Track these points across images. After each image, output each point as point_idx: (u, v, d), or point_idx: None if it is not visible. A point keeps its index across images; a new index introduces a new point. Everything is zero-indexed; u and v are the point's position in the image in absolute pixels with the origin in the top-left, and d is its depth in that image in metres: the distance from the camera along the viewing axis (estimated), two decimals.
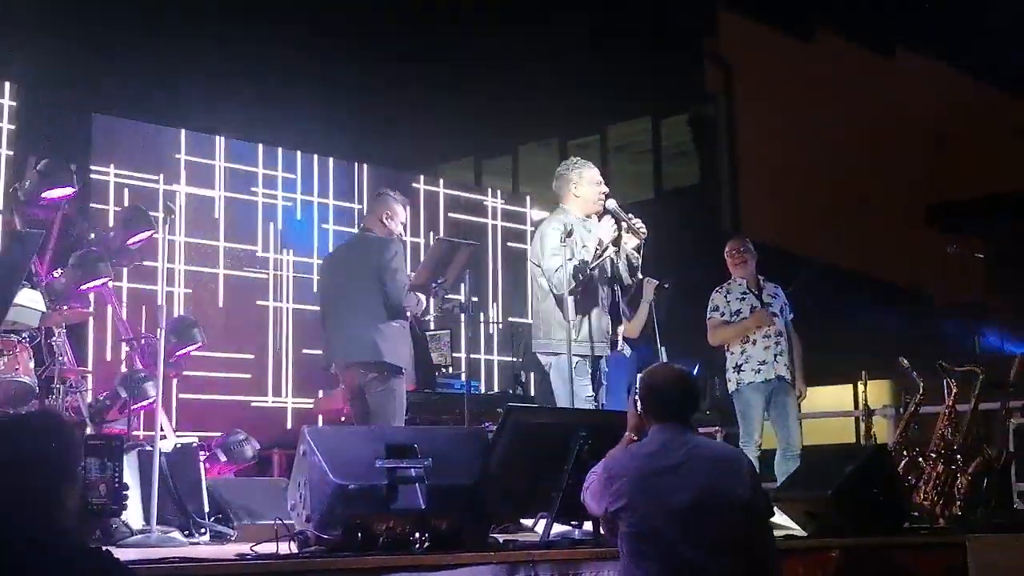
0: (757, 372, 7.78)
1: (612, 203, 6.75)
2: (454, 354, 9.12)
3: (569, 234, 6.45)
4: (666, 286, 7.53)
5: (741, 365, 7.83)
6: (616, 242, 6.69)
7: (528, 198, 12.42)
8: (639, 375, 4.49)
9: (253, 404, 9.67)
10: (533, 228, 11.67)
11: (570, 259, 6.42)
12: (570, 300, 6.43)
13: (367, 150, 11.50)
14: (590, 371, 6.55)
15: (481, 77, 15.87)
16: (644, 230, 6.69)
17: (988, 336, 11.39)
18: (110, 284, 7.73)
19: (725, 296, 8.00)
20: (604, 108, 16.97)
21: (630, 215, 6.72)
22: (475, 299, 10.17)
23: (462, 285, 6.91)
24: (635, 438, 4.48)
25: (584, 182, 6.76)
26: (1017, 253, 14.62)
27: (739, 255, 8.04)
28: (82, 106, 9.31)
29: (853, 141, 16.35)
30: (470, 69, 15.70)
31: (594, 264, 6.53)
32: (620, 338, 6.83)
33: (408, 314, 6.92)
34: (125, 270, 8.42)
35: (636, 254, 6.78)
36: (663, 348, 6.87)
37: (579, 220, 6.68)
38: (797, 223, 15.24)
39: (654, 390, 4.35)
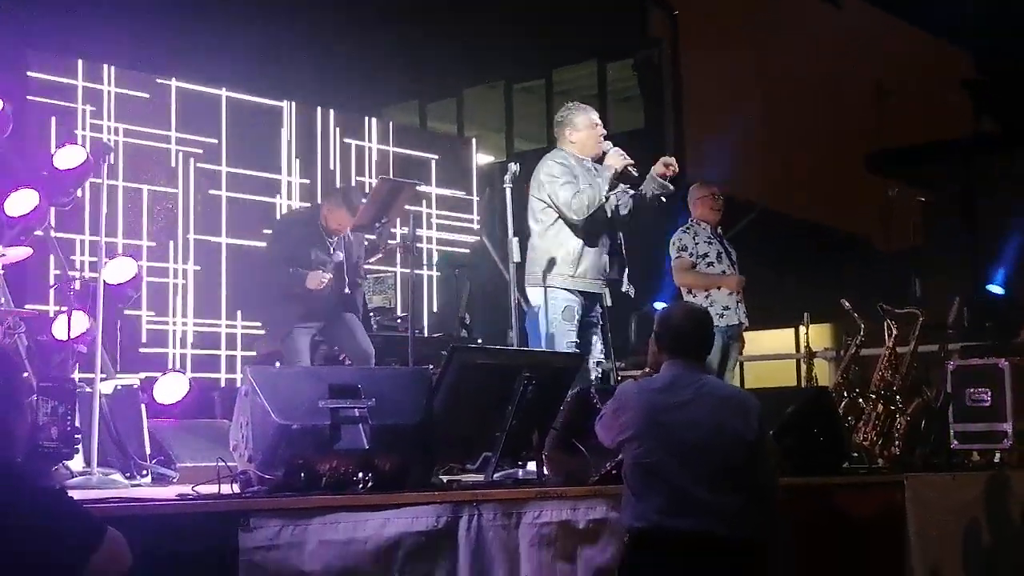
0: (721, 316, 7.81)
1: (610, 146, 6.76)
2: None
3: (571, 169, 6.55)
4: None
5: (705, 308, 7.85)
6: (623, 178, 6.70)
7: (473, 141, 12.33)
8: (657, 312, 4.51)
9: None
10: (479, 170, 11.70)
11: (587, 187, 6.51)
12: (571, 233, 6.48)
13: (309, 92, 11.31)
14: (579, 315, 6.52)
15: (426, 20, 15.69)
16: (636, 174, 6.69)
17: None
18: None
19: (693, 237, 8.01)
20: (550, 52, 16.88)
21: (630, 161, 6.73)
22: (419, 244, 10.10)
23: (405, 227, 6.91)
24: (650, 372, 4.55)
25: (581, 124, 6.76)
26: (955, 198, 14.80)
27: (715, 201, 8.06)
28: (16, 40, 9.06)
29: (797, 88, 16.41)
30: (415, 12, 15.51)
31: (609, 191, 6.54)
32: (625, 280, 6.80)
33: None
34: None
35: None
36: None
37: (578, 160, 6.70)
38: (740, 168, 15.29)
39: (670, 326, 4.41)
